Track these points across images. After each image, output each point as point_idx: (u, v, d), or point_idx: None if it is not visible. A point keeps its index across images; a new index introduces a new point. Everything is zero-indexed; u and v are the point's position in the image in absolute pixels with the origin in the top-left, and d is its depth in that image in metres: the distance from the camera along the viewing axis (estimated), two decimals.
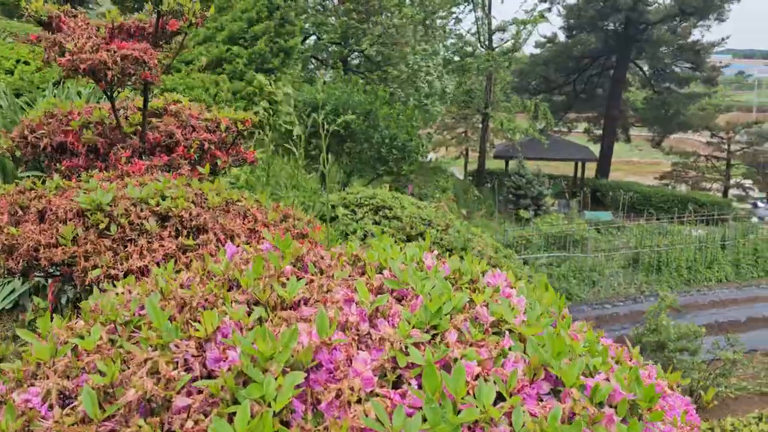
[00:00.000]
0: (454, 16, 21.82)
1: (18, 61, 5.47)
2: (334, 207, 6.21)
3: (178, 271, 1.72)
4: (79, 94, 5.53)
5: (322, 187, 7.53)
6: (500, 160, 27.12)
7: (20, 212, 2.38)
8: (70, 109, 3.16)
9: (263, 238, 1.99)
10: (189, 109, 3.39)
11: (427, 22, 17.36)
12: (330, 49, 17.82)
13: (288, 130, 7.94)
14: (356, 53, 17.22)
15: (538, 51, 31.56)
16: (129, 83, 2.95)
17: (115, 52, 2.67)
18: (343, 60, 17.11)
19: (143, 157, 3.10)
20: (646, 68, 30.34)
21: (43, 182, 2.65)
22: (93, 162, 3.10)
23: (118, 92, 3.09)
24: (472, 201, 20.43)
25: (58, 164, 3.05)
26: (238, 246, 1.81)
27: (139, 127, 3.20)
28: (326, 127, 9.26)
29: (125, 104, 3.42)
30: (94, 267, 2.14)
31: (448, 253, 5.96)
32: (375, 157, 10.12)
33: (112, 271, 2.13)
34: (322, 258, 1.66)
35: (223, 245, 1.90)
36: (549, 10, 28.43)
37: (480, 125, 25.89)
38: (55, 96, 4.58)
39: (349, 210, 6.34)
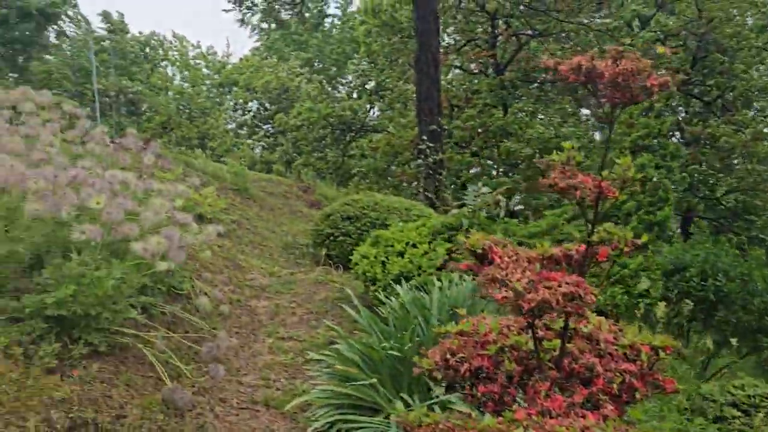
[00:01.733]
0: None
1: (407, 244, 5.96)
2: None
3: None
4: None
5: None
6: None
7: None
8: (486, 330, 3.16)
9: None
10: (600, 330, 3.13)
11: None
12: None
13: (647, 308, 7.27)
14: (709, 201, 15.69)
15: None
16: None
17: (555, 289, 2.58)
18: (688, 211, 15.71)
19: (559, 390, 2.88)
20: None
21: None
22: (506, 389, 3.00)
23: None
24: None
25: (473, 389, 3.01)
26: None
27: (554, 352, 3.03)
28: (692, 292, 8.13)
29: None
30: None
31: None
32: (755, 328, 8.62)
33: None
34: None
35: None
36: None
37: None
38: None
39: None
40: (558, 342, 3.13)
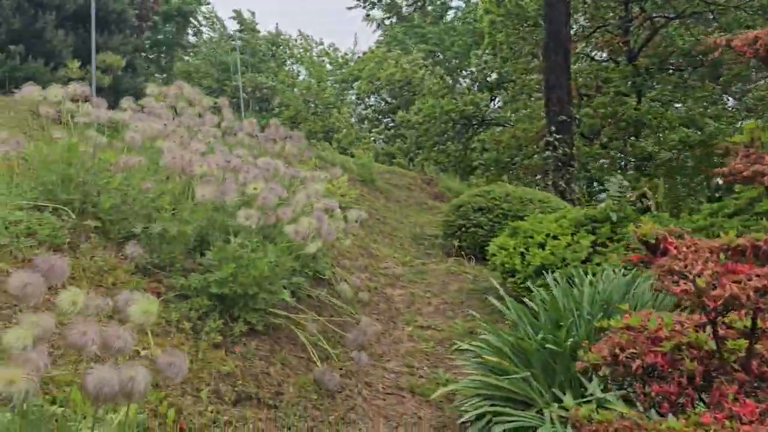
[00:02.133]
0: None
1: (548, 236, 5.75)
2: None
3: None
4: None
5: None
6: None
7: None
8: (657, 326, 2.95)
9: None
10: None
11: None
12: None
13: None
14: None
15: None
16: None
17: (745, 284, 2.35)
18: None
19: (747, 395, 2.63)
20: None
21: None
22: (684, 389, 2.78)
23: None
24: None
25: (645, 387, 2.83)
26: None
27: (739, 353, 2.77)
28: None
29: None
30: None
31: None
32: None
33: None
34: None
35: None
36: None
37: None
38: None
39: None
40: (743, 342, 2.87)
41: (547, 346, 3.62)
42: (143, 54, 12.95)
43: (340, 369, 4.31)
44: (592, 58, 19.22)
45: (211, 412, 3.15)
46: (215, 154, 4.50)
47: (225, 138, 5.62)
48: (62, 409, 2.08)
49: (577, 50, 17.95)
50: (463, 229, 8.22)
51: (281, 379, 3.81)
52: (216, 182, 4.15)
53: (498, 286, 5.07)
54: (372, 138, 23.74)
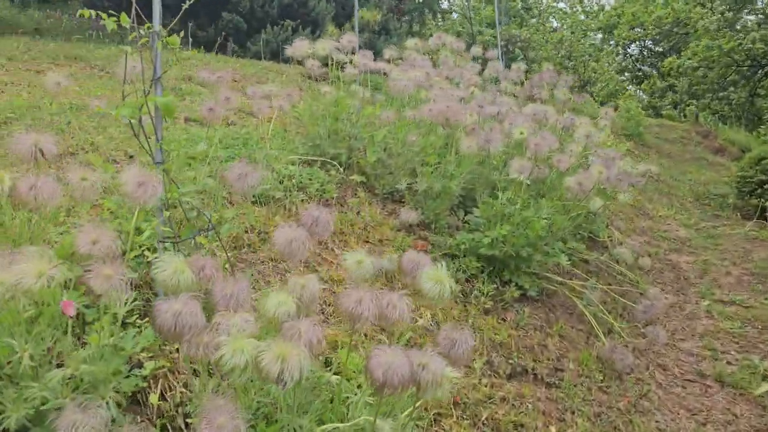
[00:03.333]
0: None
1: None
2: None
3: None
4: None
5: None
6: None
7: None
8: None
9: None
10: None
11: None
12: None
13: None
14: None
15: None
16: None
17: None
18: None
19: None
20: None
21: None
22: None
23: None
24: None
25: None
26: None
27: None
28: None
29: None
30: None
31: None
32: None
33: None
34: None
35: None
36: None
37: None
38: None
39: None
40: None
41: None
42: (396, 17, 13.14)
43: (626, 346, 3.68)
44: None
45: (486, 386, 2.80)
46: (477, 103, 4.10)
47: (487, 87, 5.22)
48: (336, 377, 1.86)
49: None
50: (765, 186, 6.76)
51: (560, 353, 3.32)
52: (480, 133, 3.75)
53: None
54: (634, 90, 21.54)
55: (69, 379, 1.51)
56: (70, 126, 3.73)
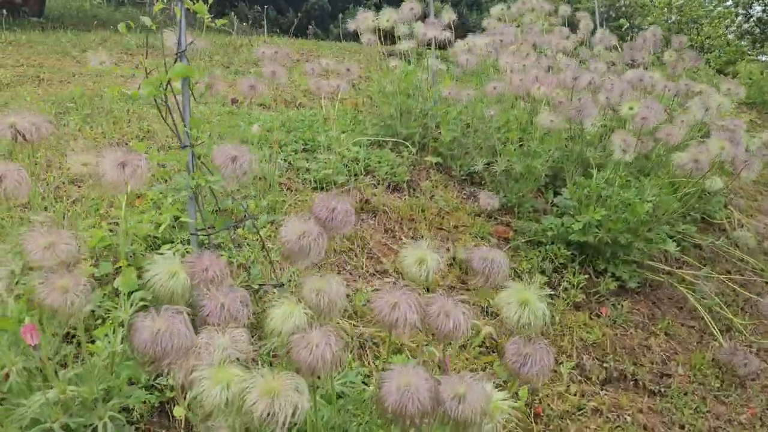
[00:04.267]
0: None
1: None
2: None
3: None
4: None
5: None
6: None
7: None
8: None
9: None
10: None
11: None
12: None
13: None
14: None
15: None
16: None
17: None
18: None
19: None
20: None
21: None
22: None
23: None
24: None
25: None
26: None
27: None
28: None
29: None
30: None
31: None
32: None
33: None
34: None
35: None
36: None
37: None
38: None
39: None
40: None
41: None
42: None
43: (749, 346, 3.13)
44: None
45: (574, 394, 2.42)
46: (565, 72, 3.63)
47: (580, 53, 4.71)
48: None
49: None
50: None
51: (666, 355, 2.85)
52: (569, 105, 3.31)
53: None
54: (755, 54, 19.54)
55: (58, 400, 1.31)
56: (129, 113, 3.66)
